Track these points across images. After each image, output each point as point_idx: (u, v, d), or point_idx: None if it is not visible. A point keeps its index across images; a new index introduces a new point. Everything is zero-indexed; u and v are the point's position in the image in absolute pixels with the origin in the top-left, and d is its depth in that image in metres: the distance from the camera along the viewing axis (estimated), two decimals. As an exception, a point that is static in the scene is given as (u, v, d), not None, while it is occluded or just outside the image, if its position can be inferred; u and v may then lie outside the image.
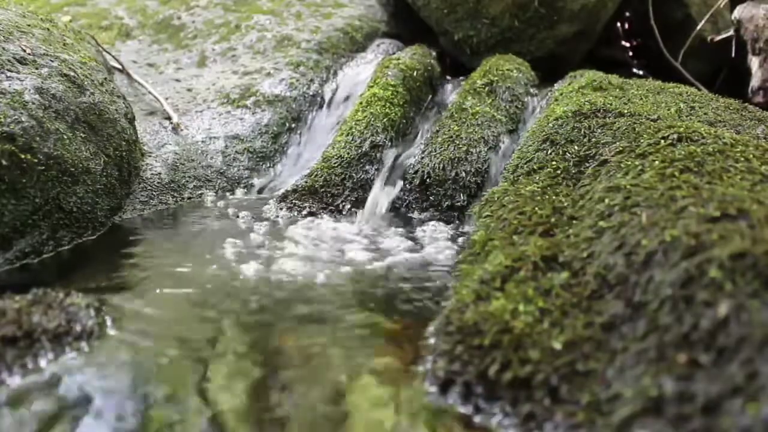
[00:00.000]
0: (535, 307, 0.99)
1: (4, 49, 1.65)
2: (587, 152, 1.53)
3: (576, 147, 1.59)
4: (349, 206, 2.01)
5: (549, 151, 1.62)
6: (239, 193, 2.18)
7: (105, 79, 1.96)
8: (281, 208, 1.96)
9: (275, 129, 2.39)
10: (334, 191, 2.02)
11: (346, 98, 2.52)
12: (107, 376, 0.96)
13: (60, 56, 1.79)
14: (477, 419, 0.89)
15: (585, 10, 2.81)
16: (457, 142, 2.06)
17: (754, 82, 2.53)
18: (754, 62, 2.55)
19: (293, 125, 2.45)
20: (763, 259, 0.80)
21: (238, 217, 1.90)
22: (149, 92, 2.43)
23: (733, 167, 1.16)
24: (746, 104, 2.00)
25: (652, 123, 1.54)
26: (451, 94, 2.59)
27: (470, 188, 1.99)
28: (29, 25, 1.87)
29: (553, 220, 1.25)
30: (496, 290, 1.06)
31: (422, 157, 2.06)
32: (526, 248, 1.14)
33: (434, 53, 2.81)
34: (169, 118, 2.30)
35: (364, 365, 1.04)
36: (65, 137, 1.60)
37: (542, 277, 1.06)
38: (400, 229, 1.83)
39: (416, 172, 2.03)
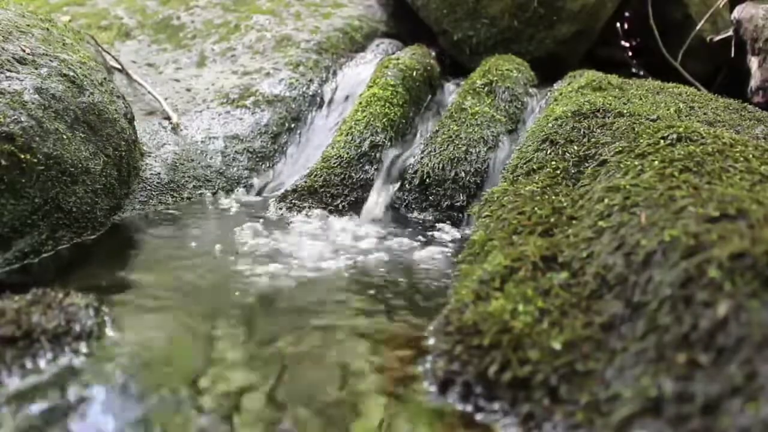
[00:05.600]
0: (535, 307, 0.99)
1: (3, 49, 1.65)
2: (587, 152, 1.53)
3: (575, 147, 1.59)
4: (348, 206, 2.01)
5: (548, 151, 1.62)
6: (239, 192, 2.18)
7: (104, 79, 1.96)
8: (281, 208, 1.96)
9: (275, 129, 2.39)
10: (333, 191, 2.02)
11: (346, 98, 2.52)
12: (106, 376, 0.96)
13: (59, 56, 1.79)
14: (476, 419, 0.89)
15: (584, 10, 2.81)
16: (457, 142, 2.07)
17: (754, 82, 2.53)
18: (753, 62, 2.55)
19: (293, 125, 2.45)
20: (762, 259, 0.80)
21: (237, 217, 1.90)
22: (148, 92, 2.43)
23: (733, 167, 1.16)
24: (745, 104, 2.00)
25: (651, 123, 1.54)
26: (450, 94, 2.59)
27: (470, 188, 1.99)
28: (29, 25, 1.87)
29: (552, 220, 1.25)
30: (495, 290, 1.06)
31: (422, 157, 2.06)
32: (526, 248, 1.14)
33: (434, 53, 2.81)
34: (168, 118, 2.30)
35: (364, 365, 1.04)
36: (65, 137, 1.60)
37: (541, 277, 1.06)
38: (400, 229, 1.83)
39: (416, 172, 2.03)
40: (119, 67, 2.51)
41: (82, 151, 1.65)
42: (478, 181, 2.00)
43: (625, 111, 1.72)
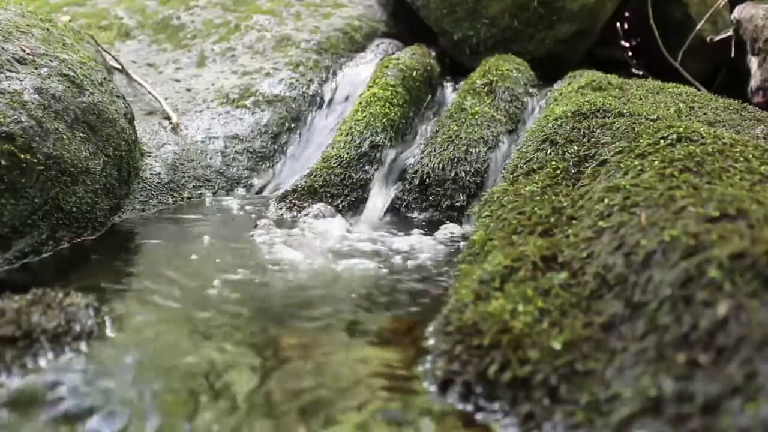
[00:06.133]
0: (535, 307, 0.99)
1: (3, 49, 1.65)
2: (587, 152, 1.53)
3: (575, 147, 1.59)
4: (348, 206, 2.01)
5: (548, 151, 1.62)
6: (239, 192, 2.18)
7: (104, 79, 1.96)
8: (281, 208, 1.96)
9: (275, 129, 2.39)
10: (333, 191, 2.02)
11: (346, 98, 2.52)
12: (106, 376, 0.96)
13: (59, 56, 1.79)
14: (476, 419, 0.89)
15: (584, 10, 2.81)
16: (457, 142, 2.07)
17: (753, 82, 2.53)
18: (753, 62, 2.55)
19: (293, 125, 2.45)
20: (762, 259, 0.80)
21: (236, 217, 1.90)
22: (148, 92, 2.43)
23: (733, 167, 1.16)
24: (745, 104, 2.00)
25: (651, 123, 1.54)
26: (450, 94, 2.59)
27: (470, 188, 1.99)
28: (29, 25, 1.87)
29: (552, 220, 1.25)
30: (495, 290, 1.06)
31: (422, 157, 2.06)
32: (526, 248, 1.14)
33: (433, 53, 2.81)
34: (168, 118, 2.30)
35: (364, 365, 1.04)
36: (65, 137, 1.60)
37: (541, 277, 1.06)
38: (400, 229, 1.83)
39: (416, 172, 2.03)
40: (119, 67, 2.51)
41: (82, 151, 1.65)
42: (478, 181, 2.00)
43: (625, 111, 1.72)
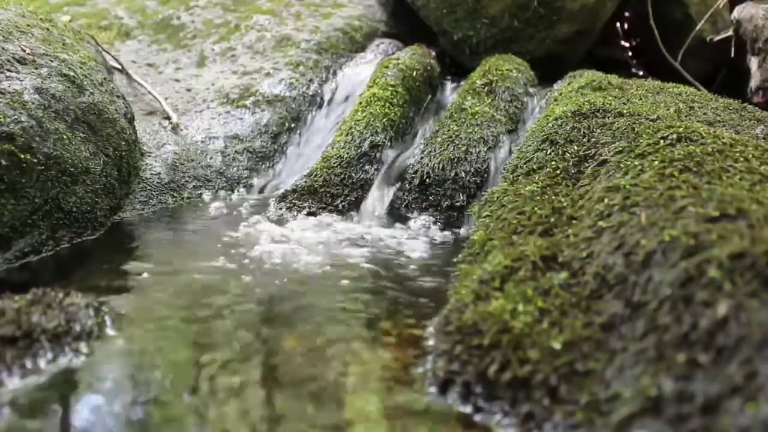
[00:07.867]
0: (535, 307, 0.99)
1: (3, 49, 1.65)
2: (587, 152, 1.53)
3: (575, 147, 1.59)
4: (348, 206, 2.01)
5: (548, 151, 1.62)
6: (239, 192, 2.18)
7: (104, 79, 1.96)
8: (281, 208, 1.96)
9: (275, 129, 2.39)
10: (333, 191, 2.02)
11: (346, 98, 2.52)
12: (106, 376, 0.96)
13: (59, 56, 1.79)
14: (476, 419, 0.89)
15: (584, 10, 2.81)
16: (457, 142, 2.06)
17: (753, 82, 2.53)
18: (753, 62, 2.55)
19: (293, 125, 2.45)
20: (762, 259, 0.80)
21: (237, 217, 1.90)
22: (149, 92, 2.43)
23: (733, 167, 1.16)
24: (745, 104, 2.00)
25: (651, 123, 1.54)
26: (450, 94, 2.59)
27: (470, 188, 1.99)
28: (29, 25, 1.87)
29: (552, 220, 1.25)
30: (495, 290, 1.06)
31: (422, 157, 2.06)
32: (526, 248, 1.14)
33: (434, 53, 2.81)
34: (168, 118, 2.30)
35: (364, 365, 1.04)
36: (65, 137, 1.60)
37: (541, 277, 1.06)
38: (399, 229, 1.83)
39: (416, 172, 2.03)
40: (119, 67, 2.51)
41: (82, 151, 1.65)
42: (478, 181, 2.00)
43: (625, 111, 1.72)
